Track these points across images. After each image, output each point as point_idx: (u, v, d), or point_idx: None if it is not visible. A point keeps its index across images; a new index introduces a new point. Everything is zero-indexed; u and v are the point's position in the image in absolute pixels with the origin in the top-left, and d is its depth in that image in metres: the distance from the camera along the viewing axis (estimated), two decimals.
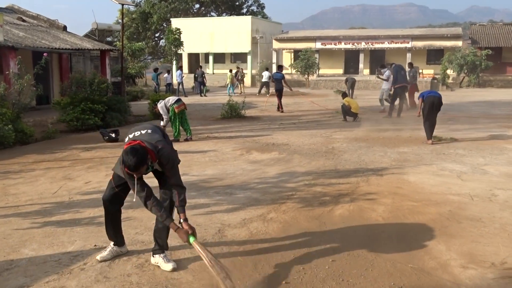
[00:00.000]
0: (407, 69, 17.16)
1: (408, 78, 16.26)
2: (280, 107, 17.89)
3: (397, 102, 15.51)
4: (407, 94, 16.61)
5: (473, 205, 5.93)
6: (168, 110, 11.16)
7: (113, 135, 11.31)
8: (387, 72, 16.83)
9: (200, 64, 34.63)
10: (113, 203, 4.22)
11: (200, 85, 28.32)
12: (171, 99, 11.35)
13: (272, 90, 21.21)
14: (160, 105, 11.24)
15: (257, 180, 7.37)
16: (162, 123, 11.26)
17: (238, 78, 29.88)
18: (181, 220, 3.81)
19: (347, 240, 4.78)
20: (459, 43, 35.10)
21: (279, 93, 17.99)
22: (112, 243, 4.39)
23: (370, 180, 7.21)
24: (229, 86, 28.66)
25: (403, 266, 4.14)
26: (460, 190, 6.61)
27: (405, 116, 14.93)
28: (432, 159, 8.79)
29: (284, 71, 20.23)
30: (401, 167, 8.14)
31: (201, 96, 27.58)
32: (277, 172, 7.93)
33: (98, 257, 4.31)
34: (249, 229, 5.12)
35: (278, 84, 18.03)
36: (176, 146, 4.89)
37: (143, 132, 3.94)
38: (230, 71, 29.38)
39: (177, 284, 3.87)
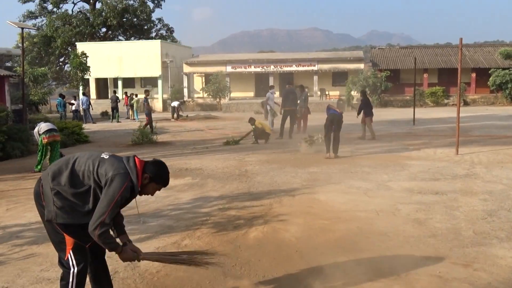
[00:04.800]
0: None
1: (299, 101, 17.08)
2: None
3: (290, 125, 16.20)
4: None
5: (379, 220, 6.24)
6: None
7: None
8: (268, 94, 19.09)
9: (114, 89, 33.66)
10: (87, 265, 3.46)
11: (113, 111, 27.55)
12: (43, 127, 10.18)
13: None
14: (35, 131, 10.22)
15: (170, 207, 7.25)
16: None
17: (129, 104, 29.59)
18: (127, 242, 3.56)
19: (261, 263, 4.82)
20: (361, 65, 37.19)
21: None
22: None
23: (283, 201, 7.35)
24: (135, 111, 28.11)
25: (317, 286, 4.23)
26: (367, 206, 6.93)
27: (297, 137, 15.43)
28: (340, 177, 9.15)
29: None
30: (312, 186, 8.39)
31: (112, 122, 26.80)
32: (190, 197, 7.85)
33: None
34: None
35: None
36: None
37: (106, 157, 3.40)
38: (125, 93, 29.38)
39: None
